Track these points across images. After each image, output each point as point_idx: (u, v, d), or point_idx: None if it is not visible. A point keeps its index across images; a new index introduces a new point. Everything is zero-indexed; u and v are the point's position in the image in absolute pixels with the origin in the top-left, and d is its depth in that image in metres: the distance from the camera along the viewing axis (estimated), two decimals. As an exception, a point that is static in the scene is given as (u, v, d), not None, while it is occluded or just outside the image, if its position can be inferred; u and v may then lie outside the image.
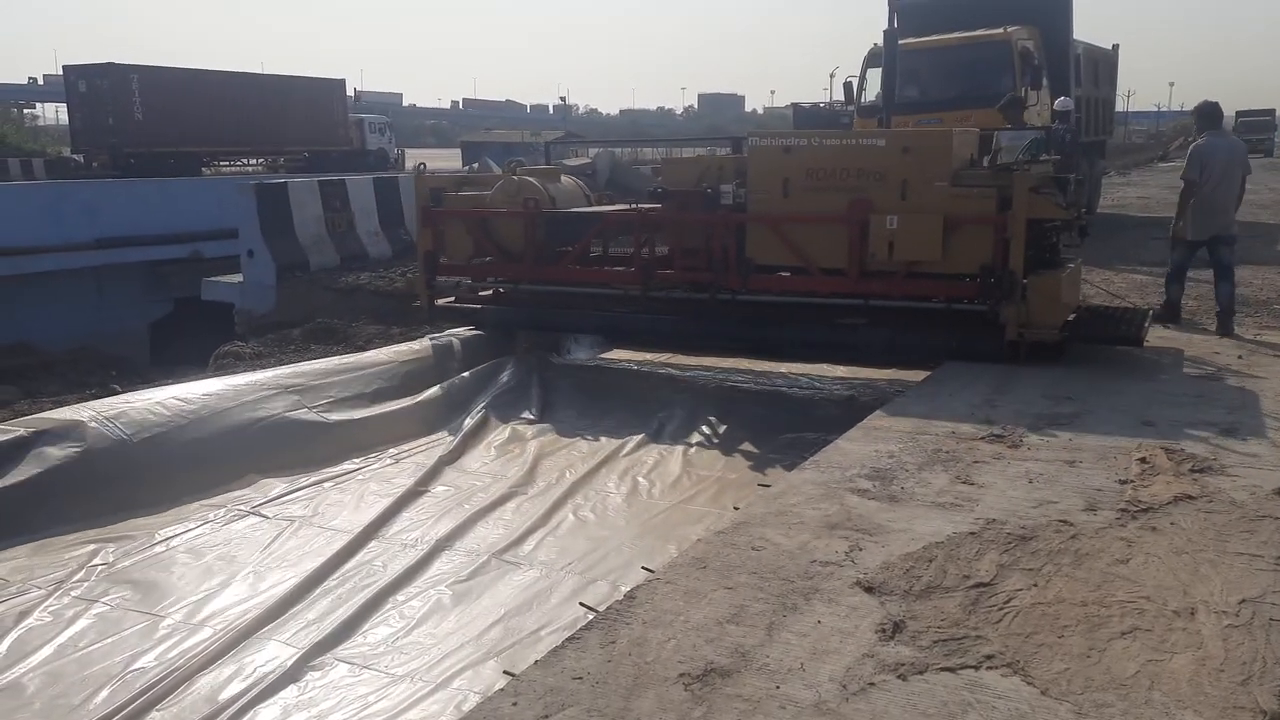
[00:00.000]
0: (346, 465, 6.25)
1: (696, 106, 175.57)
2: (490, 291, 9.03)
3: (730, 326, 7.79)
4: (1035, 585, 3.52)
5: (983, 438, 5.24)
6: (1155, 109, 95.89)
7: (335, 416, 6.67)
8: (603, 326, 8.59)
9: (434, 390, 7.34)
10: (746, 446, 6.65)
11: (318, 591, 4.49)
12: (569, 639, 3.24)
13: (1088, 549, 3.80)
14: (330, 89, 42.47)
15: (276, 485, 5.91)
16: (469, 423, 6.85)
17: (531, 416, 7.20)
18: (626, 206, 8.53)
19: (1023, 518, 4.11)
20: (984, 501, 4.32)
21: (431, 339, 8.44)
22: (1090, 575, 3.58)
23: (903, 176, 6.88)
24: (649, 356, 9.05)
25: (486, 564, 4.73)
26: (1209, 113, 8.58)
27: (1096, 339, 7.25)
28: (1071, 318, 7.25)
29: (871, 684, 2.92)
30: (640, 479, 5.93)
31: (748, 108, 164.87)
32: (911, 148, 7.00)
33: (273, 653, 3.96)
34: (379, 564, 4.76)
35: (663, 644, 3.17)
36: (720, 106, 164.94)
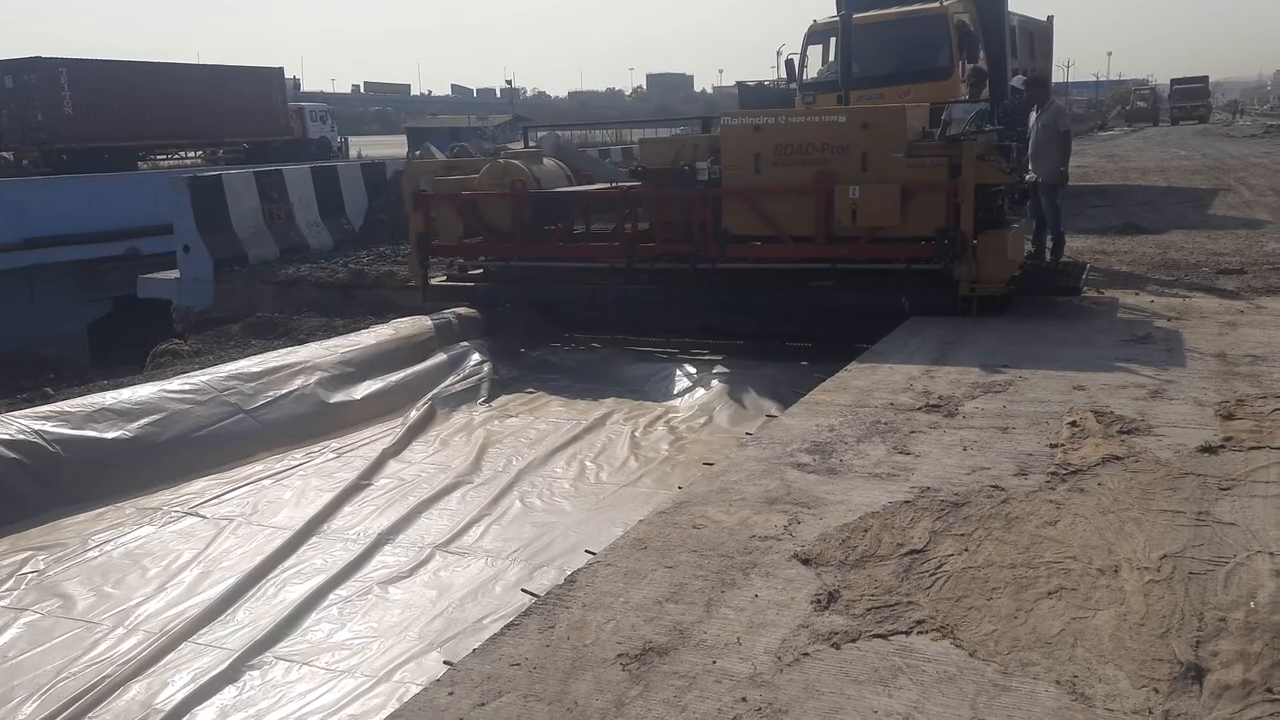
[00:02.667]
0: (288, 461, 6.16)
1: (645, 87, 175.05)
2: (481, 270, 9.50)
3: (710, 294, 8.33)
4: (966, 550, 3.58)
5: (920, 408, 5.31)
6: (1094, 79, 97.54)
7: (273, 415, 6.56)
8: (589, 298, 8.98)
9: (379, 383, 7.25)
10: (694, 427, 6.68)
11: (256, 590, 4.43)
12: (507, 626, 3.23)
13: (1018, 513, 3.88)
14: (268, 78, 41.47)
15: (215, 484, 5.81)
16: (415, 415, 6.78)
17: (480, 406, 7.15)
18: (609, 185, 9.14)
19: (956, 485, 4.18)
20: (919, 470, 4.39)
21: (393, 326, 8.41)
22: (1019, 538, 3.65)
23: (863, 150, 7.49)
24: (600, 345, 9.14)
25: (430, 556, 4.70)
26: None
27: (1040, 290, 7.93)
28: (1017, 273, 7.81)
29: (806, 654, 2.95)
30: (588, 463, 5.92)
31: (696, 87, 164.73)
32: (870, 123, 7.58)
33: (209, 655, 3.90)
34: (319, 560, 4.71)
35: (601, 626, 3.18)
36: (669, 87, 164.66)
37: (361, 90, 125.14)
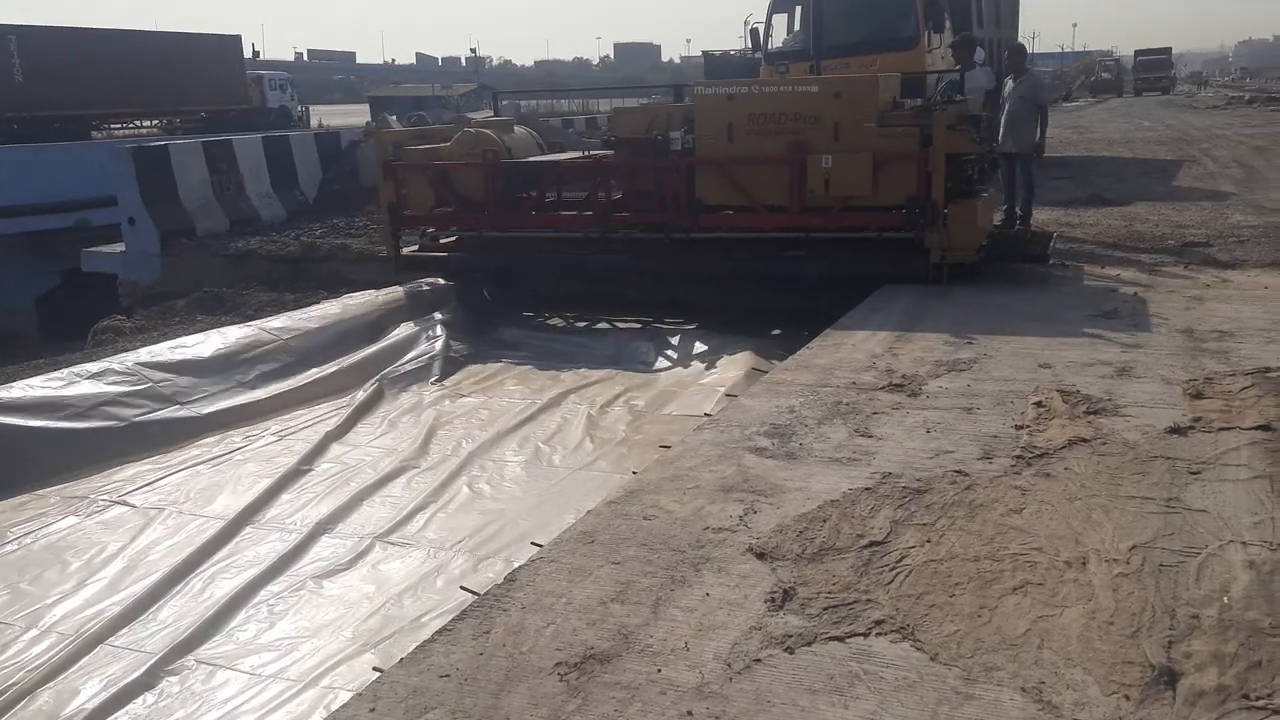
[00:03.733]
0: (227, 444, 5.88)
1: (613, 57, 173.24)
2: (455, 239, 9.36)
3: (683, 263, 8.31)
4: (929, 541, 3.41)
5: (883, 387, 5.13)
6: (1059, 50, 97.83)
7: (212, 394, 6.25)
8: (560, 268, 8.91)
9: (324, 362, 6.96)
10: (655, 405, 6.46)
11: (182, 587, 4.17)
12: (439, 631, 3.01)
13: (982, 499, 3.71)
14: (226, 46, 40.39)
15: (148, 469, 5.52)
16: (361, 395, 6.50)
17: (432, 386, 6.89)
18: (582, 154, 9.07)
19: (919, 469, 4.01)
20: (881, 454, 4.21)
21: (342, 302, 8.11)
22: (984, 528, 3.48)
23: (835, 119, 7.49)
24: (568, 317, 8.98)
25: (369, 548, 4.45)
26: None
27: (1009, 258, 7.99)
28: (986, 242, 7.85)
29: (757, 660, 2.76)
30: (541, 445, 5.69)
31: (664, 57, 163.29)
32: (842, 92, 7.56)
33: (126, 659, 3.65)
34: (252, 553, 4.45)
35: (540, 630, 2.97)
36: (637, 56, 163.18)
37: (305, 58, 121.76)
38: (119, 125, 37.65)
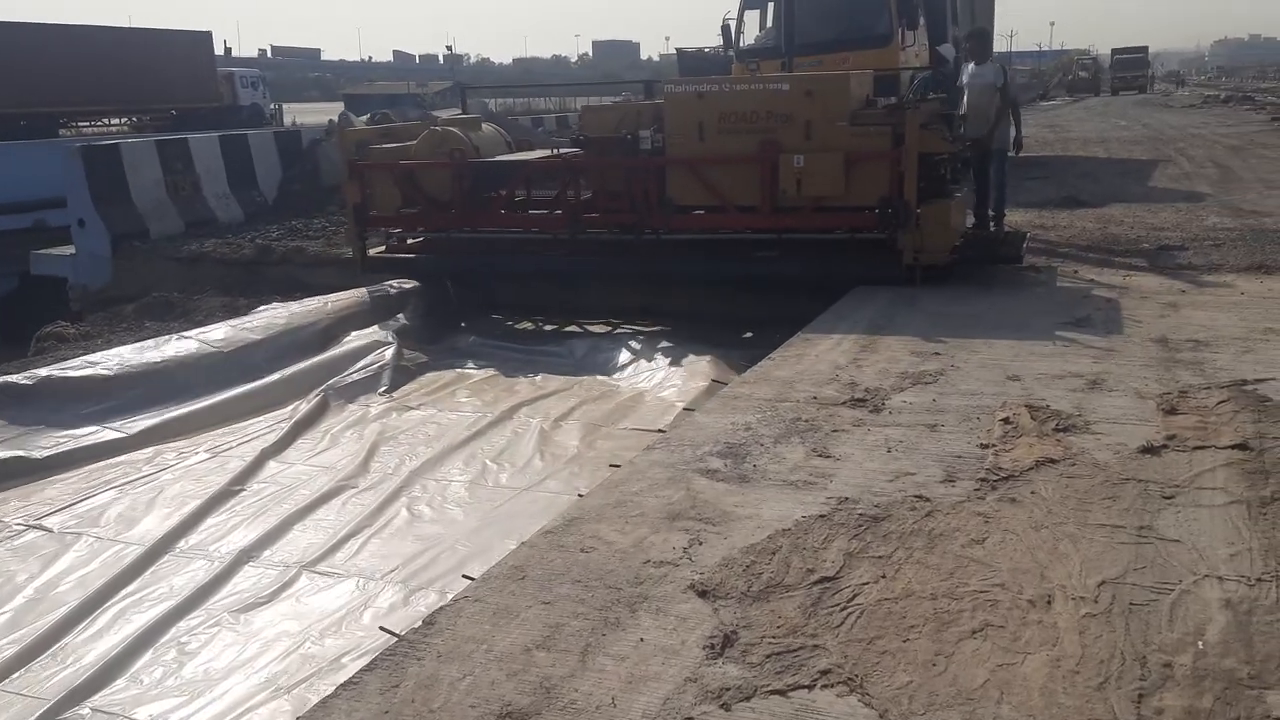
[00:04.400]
0: (158, 461, 5.56)
1: (591, 54, 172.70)
2: (422, 240, 9.23)
3: (654, 264, 8.12)
4: (884, 577, 3.16)
5: (845, 402, 4.89)
6: (1036, 48, 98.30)
7: (146, 409, 5.93)
8: (531, 269, 8.71)
9: (265, 374, 6.65)
10: (610, 417, 6.19)
11: (89, 622, 3.87)
12: (344, 685, 2.73)
13: (942, 528, 3.47)
14: (197, 42, 39.76)
15: (71, 489, 5.20)
16: (305, 408, 6.19)
17: (380, 397, 6.59)
18: (550, 153, 8.89)
19: (877, 494, 3.76)
20: (839, 477, 3.96)
21: (294, 306, 7.80)
22: (943, 560, 3.24)
23: (807, 118, 7.35)
24: (533, 321, 8.79)
25: (294, 578, 4.16)
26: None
27: (983, 259, 7.81)
28: (959, 242, 7.70)
29: (690, 719, 2.51)
30: (489, 462, 5.41)
31: (643, 54, 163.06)
32: (814, 91, 7.42)
33: (17, 705, 3.35)
34: (167, 584, 4.15)
35: (455, 684, 2.70)
36: (615, 54, 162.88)
37: (269, 55, 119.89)
38: (86, 123, 37.00)
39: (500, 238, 8.80)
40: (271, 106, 45.36)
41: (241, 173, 13.40)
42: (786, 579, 3.19)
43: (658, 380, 6.81)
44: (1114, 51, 56.89)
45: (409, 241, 9.40)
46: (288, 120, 40.86)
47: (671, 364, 7.20)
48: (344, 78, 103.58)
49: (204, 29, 40.46)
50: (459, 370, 7.26)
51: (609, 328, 8.58)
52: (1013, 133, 9.05)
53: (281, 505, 4.87)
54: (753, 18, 14.48)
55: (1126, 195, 11.83)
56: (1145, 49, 56.93)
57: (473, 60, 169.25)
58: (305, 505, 4.83)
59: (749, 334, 7.93)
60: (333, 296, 7.98)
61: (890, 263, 7.39)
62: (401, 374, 6.93)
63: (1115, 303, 6.67)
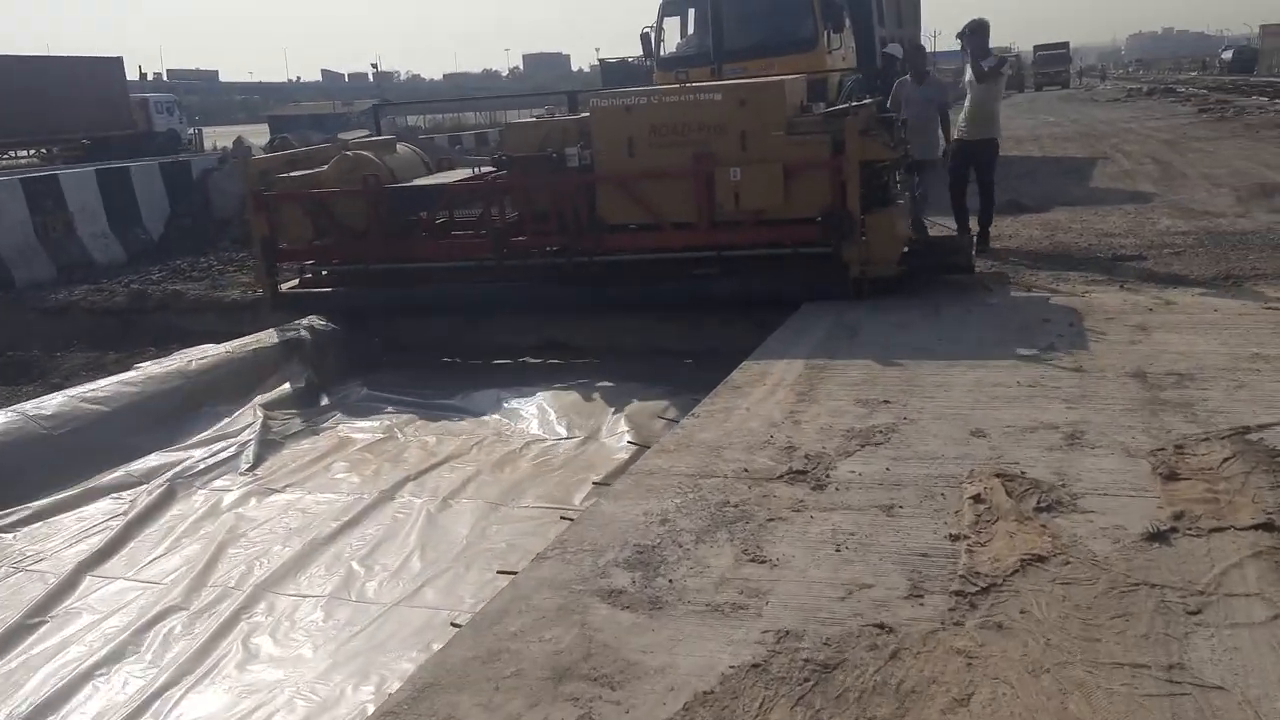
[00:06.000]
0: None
1: (522, 68, 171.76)
2: (326, 273, 8.53)
3: (587, 289, 7.57)
4: (840, 772, 2.30)
5: (782, 475, 4.05)
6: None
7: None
8: (458, 300, 7.99)
9: (109, 465, 5.58)
10: (509, 495, 5.27)
11: None
12: None
13: (913, 680, 2.62)
14: (107, 68, 38.00)
15: None
16: (144, 500, 5.17)
17: (241, 477, 5.58)
18: (472, 174, 8.36)
19: (827, 623, 2.91)
20: (777, 595, 3.11)
21: (149, 367, 6.73)
22: (918, 737, 2.40)
23: (741, 128, 6.96)
24: (446, 362, 8.06)
25: (73, 766, 3.18)
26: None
27: (934, 270, 7.32)
28: (905, 250, 7.29)
29: None
30: (356, 566, 4.44)
31: (574, 66, 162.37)
32: (748, 100, 7.01)
33: None
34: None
35: None
36: (546, 66, 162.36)
37: (165, 78, 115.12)
38: (-10, 158, 35.01)
39: (417, 268, 8.00)
40: (190, 131, 43.70)
41: (123, 209, 12.26)
42: (707, 782, 2.31)
43: (572, 440, 5.91)
44: (1036, 48, 57.68)
45: (324, 274, 8.53)
46: (208, 145, 39.25)
47: (596, 411, 6.35)
48: (271, 99, 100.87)
49: (115, 54, 38.60)
50: (341, 434, 6.29)
51: (529, 366, 7.78)
52: (942, 142, 8.60)
53: (83, 644, 3.85)
54: (673, 25, 13.77)
55: (1069, 197, 11.28)
56: (1067, 45, 57.91)
57: (403, 77, 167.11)
58: (112, 648, 3.81)
59: (689, 360, 7.29)
60: (195, 352, 6.93)
61: (836, 277, 6.96)
62: (268, 447, 5.93)
63: (1078, 327, 5.94)
